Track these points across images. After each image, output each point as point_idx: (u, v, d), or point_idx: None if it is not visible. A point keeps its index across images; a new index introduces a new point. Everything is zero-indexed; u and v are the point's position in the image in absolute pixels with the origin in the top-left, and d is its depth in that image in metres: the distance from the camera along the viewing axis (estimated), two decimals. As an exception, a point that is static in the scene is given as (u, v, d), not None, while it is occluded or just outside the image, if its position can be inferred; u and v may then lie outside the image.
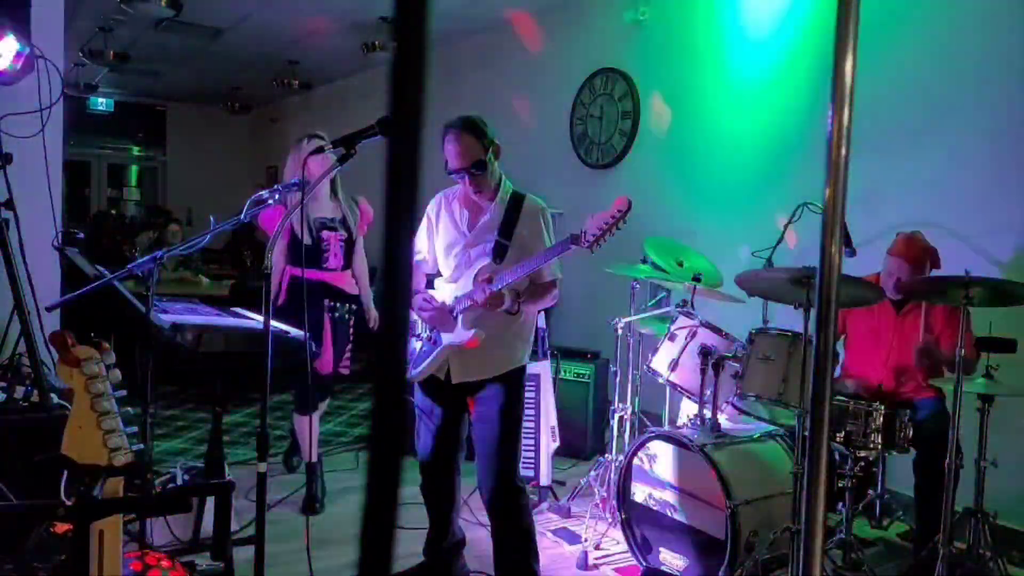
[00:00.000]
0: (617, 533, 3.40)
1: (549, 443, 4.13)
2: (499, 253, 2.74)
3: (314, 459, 3.90)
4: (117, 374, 1.49)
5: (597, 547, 3.47)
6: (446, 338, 2.77)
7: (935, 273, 3.33)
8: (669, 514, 3.17)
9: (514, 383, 2.80)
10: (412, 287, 2.64)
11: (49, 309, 2.98)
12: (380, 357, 0.60)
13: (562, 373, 4.92)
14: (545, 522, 3.83)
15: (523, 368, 2.84)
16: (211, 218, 2.74)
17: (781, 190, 4.39)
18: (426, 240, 2.97)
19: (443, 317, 2.75)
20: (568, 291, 2.44)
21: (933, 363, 3.24)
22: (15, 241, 3.09)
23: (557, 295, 2.84)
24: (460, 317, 2.73)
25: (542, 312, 4.31)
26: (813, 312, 2.83)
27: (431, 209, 2.94)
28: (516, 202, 2.79)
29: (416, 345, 2.89)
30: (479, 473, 2.82)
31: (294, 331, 3.10)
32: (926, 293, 3.16)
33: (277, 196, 2.90)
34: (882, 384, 3.37)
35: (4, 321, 3.12)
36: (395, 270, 0.59)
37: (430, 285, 2.95)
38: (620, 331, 3.92)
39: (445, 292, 2.84)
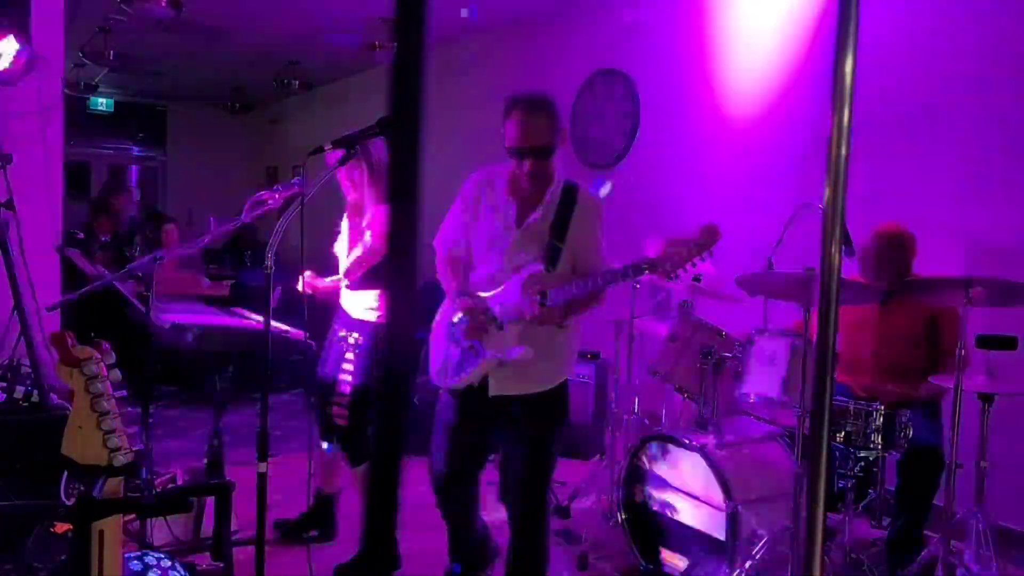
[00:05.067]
0: (617, 533, 3.40)
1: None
2: (552, 259, 2.41)
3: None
4: (117, 374, 1.50)
5: (597, 547, 3.47)
6: (491, 350, 2.44)
7: (929, 270, 3.33)
8: (669, 514, 3.17)
9: (560, 398, 2.53)
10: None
11: (49, 310, 2.98)
12: (382, 357, 0.60)
13: (562, 373, 4.92)
14: (545, 522, 3.83)
15: (567, 382, 2.56)
16: (211, 219, 2.74)
17: (781, 190, 4.39)
18: (462, 226, 2.58)
19: (489, 328, 2.44)
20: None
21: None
22: (15, 241, 3.09)
23: (606, 294, 2.48)
24: (506, 328, 2.41)
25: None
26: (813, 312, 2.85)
27: (469, 190, 2.57)
28: (570, 196, 2.47)
29: (453, 351, 2.51)
30: (509, 492, 2.57)
31: (294, 331, 3.10)
32: (927, 292, 3.15)
33: (276, 196, 2.90)
34: (872, 382, 3.35)
35: (4, 321, 3.12)
36: (399, 270, 0.59)
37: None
38: (620, 331, 3.92)
39: (484, 295, 2.51)
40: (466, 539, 2.79)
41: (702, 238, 2.18)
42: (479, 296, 2.47)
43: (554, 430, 2.54)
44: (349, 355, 3.17)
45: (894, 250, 3.32)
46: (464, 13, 5.64)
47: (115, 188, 6.47)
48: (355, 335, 3.17)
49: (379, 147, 3.12)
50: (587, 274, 2.41)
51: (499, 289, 2.45)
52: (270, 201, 2.76)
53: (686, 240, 2.20)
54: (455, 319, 2.50)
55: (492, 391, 2.47)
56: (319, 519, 3.50)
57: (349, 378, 3.14)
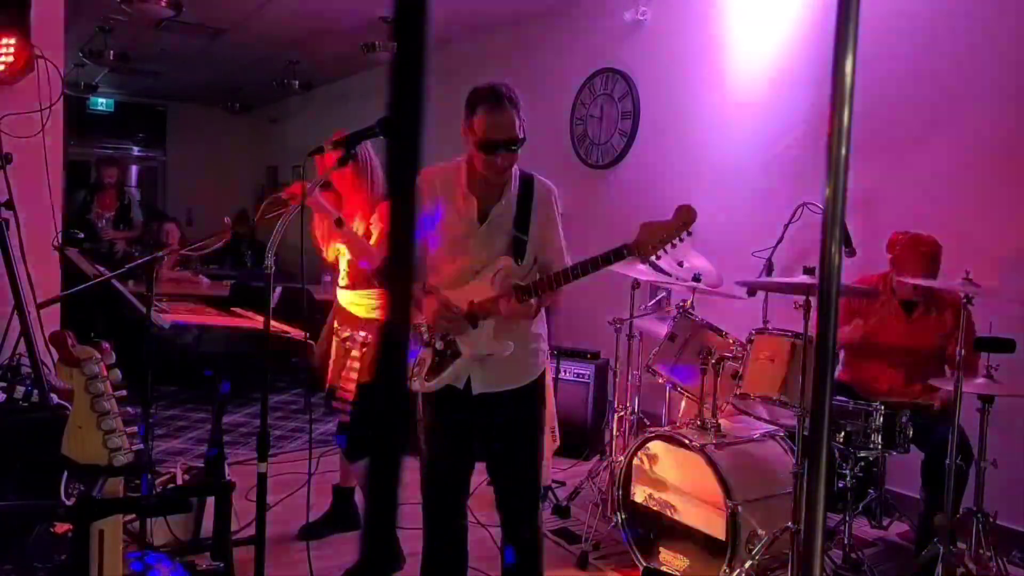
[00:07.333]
0: (617, 533, 3.40)
1: (549, 443, 4.12)
2: (519, 251, 2.40)
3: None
4: (117, 374, 1.50)
5: (597, 547, 3.47)
6: (468, 348, 2.40)
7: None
8: (669, 514, 3.17)
9: (540, 389, 2.52)
10: (415, 287, 2.42)
11: (41, 306, 2.98)
12: (381, 357, 0.60)
13: (562, 373, 4.92)
14: (545, 522, 3.82)
15: (546, 370, 2.57)
16: (226, 220, 2.73)
17: (781, 190, 4.39)
18: (420, 226, 2.53)
19: (461, 326, 2.40)
20: (568, 291, 2.39)
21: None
22: (15, 241, 3.10)
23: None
24: (483, 325, 2.39)
25: (542, 311, 4.29)
26: (813, 312, 2.85)
27: (424, 191, 2.44)
28: (527, 186, 2.45)
29: (424, 354, 2.46)
30: (503, 492, 2.53)
31: (294, 331, 3.11)
32: (926, 295, 3.16)
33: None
34: (891, 389, 3.36)
35: (4, 321, 3.12)
36: (397, 270, 0.59)
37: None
38: (620, 331, 3.92)
39: (450, 294, 2.44)
40: (460, 544, 2.64)
41: (677, 219, 2.23)
42: (445, 295, 2.42)
43: (540, 423, 2.54)
44: (355, 352, 3.19)
45: (936, 261, 3.33)
46: None
47: (101, 164, 6.76)
48: (362, 333, 3.19)
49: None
50: (550, 264, 2.43)
51: (467, 286, 2.42)
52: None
53: (662, 223, 2.24)
54: (423, 320, 2.44)
55: (476, 389, 2.41)
56: (341, 515, 3.58)
57: (355, 375, 3.16)
